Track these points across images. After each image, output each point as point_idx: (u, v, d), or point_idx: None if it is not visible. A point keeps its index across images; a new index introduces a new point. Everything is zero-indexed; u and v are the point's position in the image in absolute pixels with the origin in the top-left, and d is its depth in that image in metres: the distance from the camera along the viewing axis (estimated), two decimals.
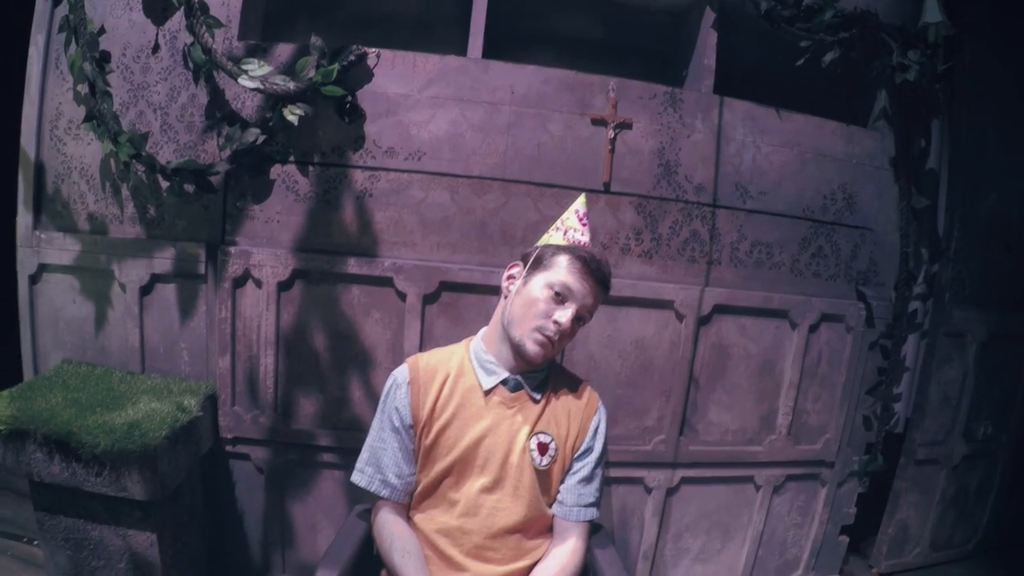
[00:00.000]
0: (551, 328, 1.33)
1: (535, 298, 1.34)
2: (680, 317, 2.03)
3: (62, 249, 2.04)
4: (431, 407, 1.38)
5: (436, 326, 1.97)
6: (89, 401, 1.79)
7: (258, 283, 1.94)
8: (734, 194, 2.03)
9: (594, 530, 1.49)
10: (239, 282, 1.96)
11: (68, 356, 2.12)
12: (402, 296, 1.94)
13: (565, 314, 1.33)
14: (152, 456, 1.68)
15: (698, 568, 2.26)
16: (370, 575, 1.45)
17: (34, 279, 2.09)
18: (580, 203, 1.47)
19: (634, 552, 2.18)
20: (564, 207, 1.91)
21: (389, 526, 1.39)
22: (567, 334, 1.36)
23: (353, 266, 1.93)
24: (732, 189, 2.02)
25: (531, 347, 1.34)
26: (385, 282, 1.94)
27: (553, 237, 1.43)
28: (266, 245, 1.95)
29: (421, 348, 1.96)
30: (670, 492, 2.14)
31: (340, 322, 1.97)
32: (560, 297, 1.33)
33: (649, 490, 2.13)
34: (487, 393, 1.39)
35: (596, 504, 1.44)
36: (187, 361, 2.04)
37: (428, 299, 1.95)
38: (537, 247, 1.42)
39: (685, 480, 2.15)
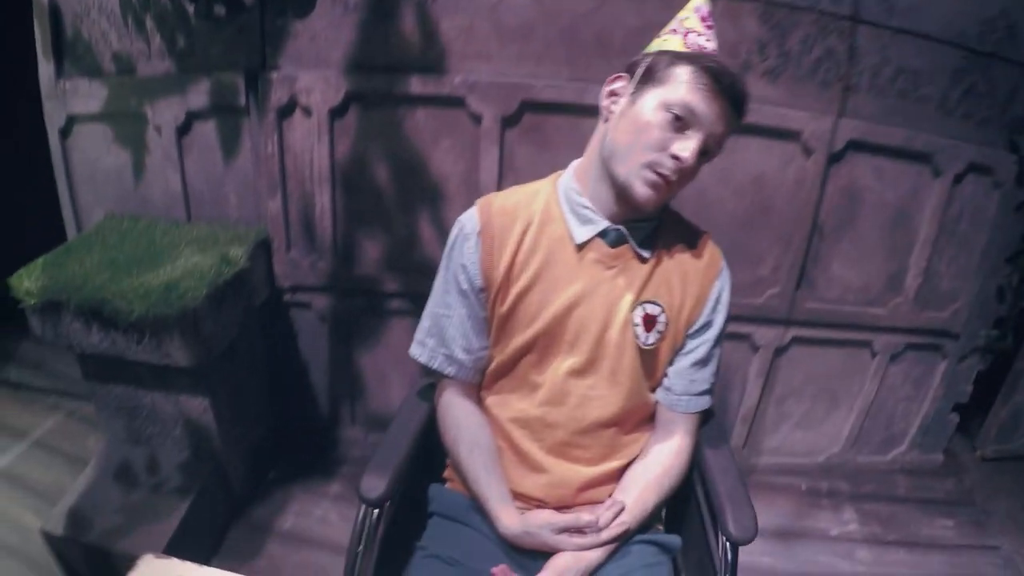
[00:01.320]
0: (668, 164, 0.91)
1: (647, 122, 0.91)
2: (808, 152, 1.63)
3: (89, 96, 1.75)
4: (507, 265, 1.00)
5: (518, 154, 1.62)
6: (126, 260, 1.56)
7: (307, 111, 1.61)
8: (879, 7, 1.55)
9: (705, 418, 1.11)
10: (285, 112, 1.63)
11: (110, 210, 1.87)
12: (476, 119, 1.59)
13: (687, 146, 0.90)
14: (192, 319, 1.44)
15: (798, 434, 1.99)
16: (436, 466, 1.17)
17: (64, 132, 1.81)
18: (702, 0, 1.02)
19: (732, 414, 1.93)
20: (673, 11, 1.45)
21: (455, 412, 1.08)
22: (689, 172, 0.93)
23: (417, 85, 1.57)
24: (876, 1, 1.54)
25: (640, 189, 0.93)
26: (456, 103, 1.58)
27: (669, 42, 0.98)
28: (313, 67, 1.60)
29: (500, 180, 1.63)
30: (779, 352, 1.84)
31: (404, 152, 1.63)
32: (680, 122, 0.90)
33: (756, 348, 1.83)
34: (580, 248, 1.00)
35: (710, 391, 1.09)
36: (235, 205, 1.77)
37: (507, 122, 1.59)
38: (648, 54, 0.97)
39: (796, 340, 1.83)
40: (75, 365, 1.66)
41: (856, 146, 1.63)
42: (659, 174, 0.91)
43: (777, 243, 1.70)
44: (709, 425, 1.11)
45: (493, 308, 1.02)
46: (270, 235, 1.72)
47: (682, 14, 0.99)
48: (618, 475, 1.06)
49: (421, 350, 1.09)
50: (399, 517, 1.07)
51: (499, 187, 1.62)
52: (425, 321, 1.09)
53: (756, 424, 1.93)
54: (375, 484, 0.96)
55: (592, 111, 1.52)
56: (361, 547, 1.00)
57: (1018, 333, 1.95)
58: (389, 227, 1.70)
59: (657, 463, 1.04)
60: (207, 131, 1.69)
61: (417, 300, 1.73)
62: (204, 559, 1.63)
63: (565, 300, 0.99)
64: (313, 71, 1.57)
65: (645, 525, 1.03)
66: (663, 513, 1.10)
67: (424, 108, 1.59)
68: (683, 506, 1.11)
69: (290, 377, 1.93)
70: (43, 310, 1.48)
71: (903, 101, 1.63)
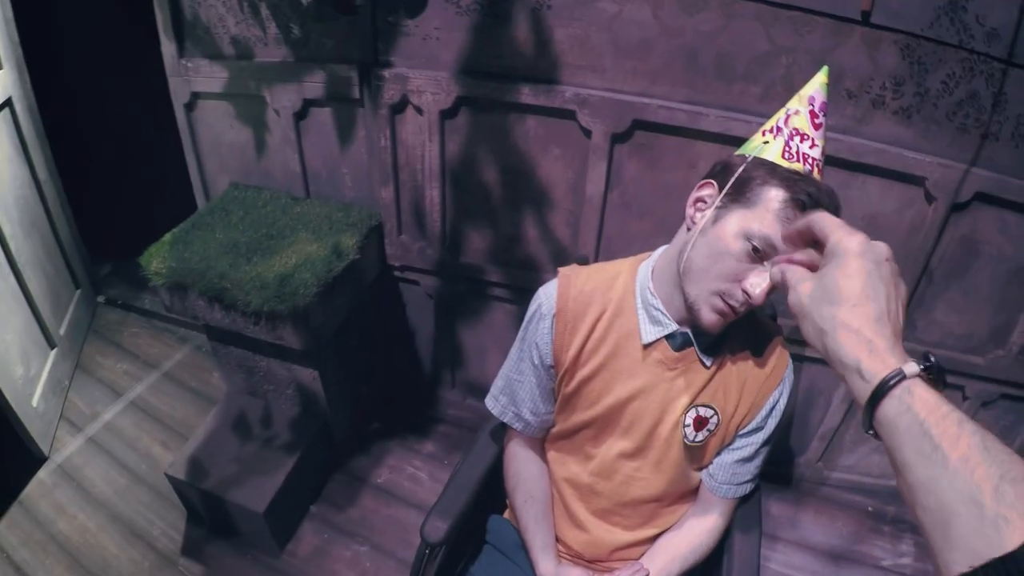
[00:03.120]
0: (738, 297, 0.88)
1: (724, 250, 0.87)
2: (930, 199, 1.51)
3: (211, 76, 1.81)
4: (577, 351, 1.03)
5: (626, 168, 1.60)
6: (247, 244, 1.67)
7: (418, 110, 1.63)
8: None
9: (745, 499, 1.14)
10: (397, 108, 1.65)
11: (234, 179, 1.98)
12: (587, 132, 1.57)
13: (760, 283, 0.85)
14: (303, 313, 1.55)
15: (875, 458, 1.97)
16: (499, 499, 1.27)
17: (189, 107, 1.90)
18: (820, 82, 0.90)
19: (812, 430, 1.92)
20: (804, 39, 1.38)
21: (517, 463, 1.18)
22: (758, 305, 0.88)
23: (528, 95, 1.55)
24: None
25: (707, 315, 0.91)
26: (567, 115, 1.56)
27: (769, 148, 0.88)
28: (425, 67, 1.60)
29: (606, 192, 1.62)
30: None
31: (513, 156, 1.64)
32: (759, 254, 0.85)
33: None
34: (647, 347, 1.00)
35: (753, 481, 1.11)
36: (350, 186, 1.84)
37: (617, 138, 1.56)
38: (743, 158, 0.90)
39: None
40: None
41: (984, 198, 1.49)
42: (728, 304, 0.89)
43: None
44: (748, 506, 1.15)
45: (560, 385, 1.07)
46: (383, 219, 1.80)
47: (793, 103, 0.91)
48: (652, 540, 1.13)
49: (494, 404, 1.16)
50: (458, 539, 1.19)
51: (605, 201, 1.62)
52: (500, 381, 1.16)
53: (835, 442, 1.92)
54: (438, 527, 1.08)
55: (706, 137, 1.48)
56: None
57: None
58: (495, 224, 1.73)
59: (688, 538, 1.10)
60: (323, 117, 1.74)
61: (518, 292, 1.87)
62: (306, 505, 1.85)
63: (624, 392, 1.02)
64: (424, 71, 1.58)
65: None
66: None
67: (534, 116, 1.57)
68: (709, 569, 1.17)
69: (398, 342, 2.07)
70: (171, 288, 1.63)
71: None
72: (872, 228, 1.53)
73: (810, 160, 0.87)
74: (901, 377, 0.47)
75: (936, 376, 0.48)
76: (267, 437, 1.81)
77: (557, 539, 1.15)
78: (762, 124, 1.42)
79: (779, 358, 1.04)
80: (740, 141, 1.49)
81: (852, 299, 0.51)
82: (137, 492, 1.90)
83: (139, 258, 1.64)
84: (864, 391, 0.49)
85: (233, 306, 1.57)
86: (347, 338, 1.85)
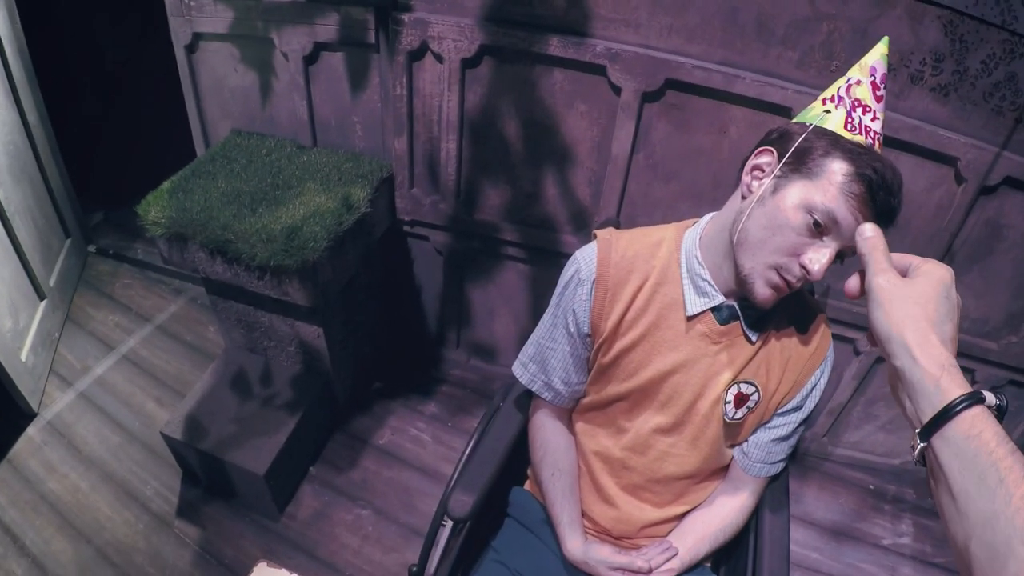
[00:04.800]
0: (795, 272, 0.82)
1: (784, 222, 0.81)
2: (960, 180, 1.44)
3: (215, 16, 1.67)
4: (618, 320, 0.96)
5: (655, 129, 1.50)
6: (251, 194, 1.55)
7: (438, 58, 1.51)
8: None
9: (773, 478, 1.08)
10: (416, 55, 1.54)
11: (236, 126, 1.85)
12: (616, 89, 1.47)
13: (820, 259, 0.80)
14: (311, 270, 1.45)
15: (880, 436, 1.93)
16: (521, 470, 1.20)
17: (191, 48, 1.75)
18: (880, 53, 0.84)
19: (821, 405, 1.86)
20: (847, 5, 1.31)
21: (545, 433, 1.09)
22: (815, 280, 0.83)
23: (556, 47, 1.44)
24: None
25: (761, 290, 0.85)
26: (596, 70, 1.46)
27: (830, 118, 0.82)
28: (448, 12, 1.49)
29: (632, 152, 1.53)
30: (880, 360, 1.75)
31: (536, 110, 1.54)
32: (820, 229, 0.79)
33: (858, 353, 1.74)
34: (691, 318, 0.94)
35: (785, 460, 1.06)
36: (361, 136, 1.73)
37: (648, 97, 1.46)
38: (803, 127, 0.83)
39: None
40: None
41: (1013, 183, 1.43)
42: (784, 279, 0.83)
43: None
44: (777, 484, 1.09)
45: (596, 355, 1.00)
46: (394, 171, 1.69)
47: (854, 72, 0.84)
48: (681, 518, 1.08)
49: (523, 371, 1.08)
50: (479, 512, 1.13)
51: (630, 162, 1.53)
52: (530, 347, 1.07)
53: (841, 418, 1.88)
54: (464, 502, 1.00)
55: (739, 101, 1.39)
56: (440, 553, 1.06)
57: None
58: (513, 180, 1.64)
59: (718, 516, 1.05)
60: (335, 62, 1.62)
61: (533, 252, 1.78)
62: (305, 467, 1.77)
63: (665, 365, 0.96)
64: (447, 17, 1.46)
65: (693, 566, 1.06)
66: None
67: (562, 70, 1.47)
68: (735, 546, 1.11)
69: (403, 298, 1.98)
70: (170, 239, 1.52)
71: None
72: (903, 203, 1.47)
73: (872, 133, 0.81)
74: (977, 401, 0.46)
75: (1000, 413, 0.47)
76: (267, 396, 1.72)
77: (583, 515, 1.08)
78: (797, 91, 1.37)
79: (822, 337, 0.98)
80: (774, 107, 1.43)
81: (940, 315, 0.53)
82: (131, 450, 1.81)
83: (136, 207, 1.52)
84: (933, 405, 0.48)
85: (237, 259, 1.46)
86: (353, 294, 1.75)
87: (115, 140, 2.71)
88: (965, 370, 1.71)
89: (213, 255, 1.50)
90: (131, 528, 1.63)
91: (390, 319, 2.03)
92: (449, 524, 1.06)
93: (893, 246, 1.51)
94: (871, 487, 1.91)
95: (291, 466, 1.69)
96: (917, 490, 1.92)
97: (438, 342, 2.08)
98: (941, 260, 1.53)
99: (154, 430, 1.76)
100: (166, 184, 1.59)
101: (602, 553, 1.02)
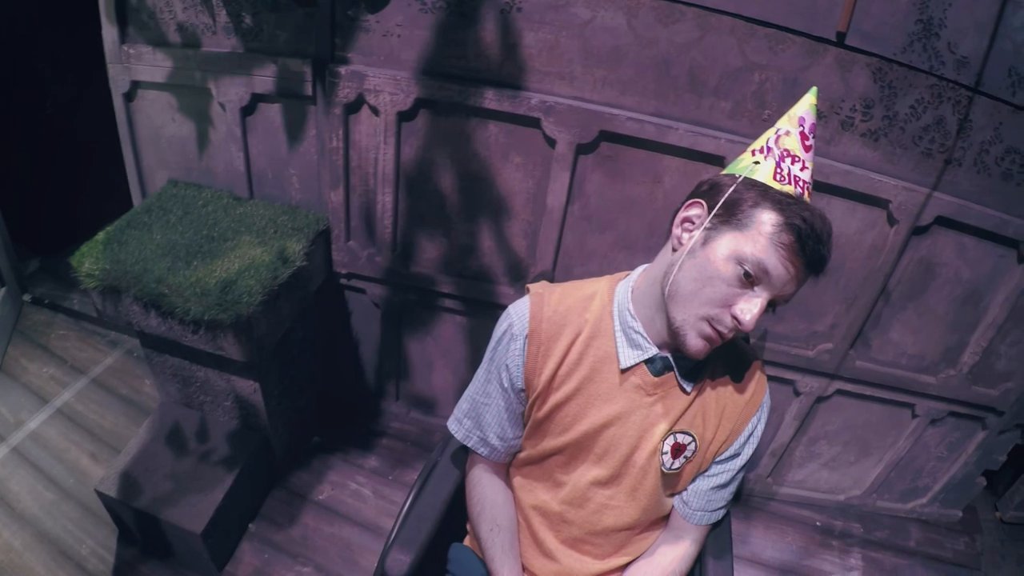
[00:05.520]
0: (727, 323, 0.83)
1: (714, 274, 0.81)
2: (892, 222, 1.47)
3: (154, 65, 1.62)
4: (551, 374, 0.94)
5: (589, 180, 1.50)
6: (186, 246, 1.51)
7: (375, 111, 1.49)
8: (1004, 81, 1.31)
9: (715, 524, 1.07)
10: (352, 108, 1.52)
11: (173, 176, 1.80)
12: (551, 142, 1.46)
13: (750, 309, 0.80)
14: (246, 323, 1.40)
15: (823, 473, 1.94)
16: (460, 525, 1.16)
17: (129, 96, 1.70)
18: (809, 104, 0.85)
19: (763, 447, 1.88)
20: (778, 56, 1.32)
21: (482, 488, 1.06)
22: (747, 331, 0.84)
23: (492, 100, 1.43)
24: (1004, 74, 1.31)
25: (693, 341, 0.85)
26: (531, 122, 1.45)
27: (760, 169, 0.83)
28: (384, 65, 1.47)
29: (568, 203, 1.52)
30: (820, 399, 1.76)
31: (472, 162, 1.53)
32: (751, 279, 0.80)
33: (798, 394, 1.75)
34: (625, 371, 0.93)
35: (726, 507, 1.05)
36: (297, 188, 1.69)
37: (582, 149, 1.46)
38: (733, 178, 0.84)
39: (840, 392, 1.74)
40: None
41: (944, 222, 1.46)
42: (715, 330, 0.83)
43: (840, 302, 1.57)
44: (719, 530, 1.08)
45: (531, 409, 0.98)
46: (330, 224, 1.65)
47: (783, 123, 0.86)
48: (623, 569, 1.05)
49: (458, 427, 1.05)
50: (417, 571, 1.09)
51: (565, 213, 1.52)
52: (464, 403, 1.05)
53: (784, 458, 1.88)
54: (401, 560, 0.97)
55: (673, 151, 1.40)
56: None
57: None
58: (449, 233, 1.61)
59: (661, 566, 1.02)
60: (272, 113, 1.58)
61: (470, 303, 1.75)
62: (243, 524, 1.70)
63: (600, 418, 0.94)
64: (383, 70, 1.44)
65: None
66: None
67: (497, 123, 1.45)
68: None
69: (341, 351, 1.93)
70: (104, 292, 1.46)
71: (1005, 183, 1.42)
72: (836, 248, 1.48)
73: (801, 183, 0.82)
74: None
75: None
76: (204, 452, 1.65)
77: (524, 569, 1.05)
78: (730, 140, 1.38)
79: (758, 383, 0.98)
80: (707, 157, 1.44)
81: None
82: (65, 508, 1.71)
83: (69, 257, 1.47)
84: None
85: (171, 313, 1.41)
86: (289, 347, 1.70)
87: (54, 186, 2.61)
88: (905, 405, 1.74)
89: (147, 308, 1.45)
90: None
91: (328, 372, 1.98)
92: None
93: (828, 289, 1.54)
94: (818, 524, 1.91)
95: (229, 523, 1.62)
96: (864, 524, 1.93)
97: (377, 395, 2.03)
98: (876, 301, 1.58)
99: (89, 487, 1.67)
100: (100, 235, 1.53)
101: None
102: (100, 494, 1.56)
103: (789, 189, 0.81)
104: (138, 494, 1.54)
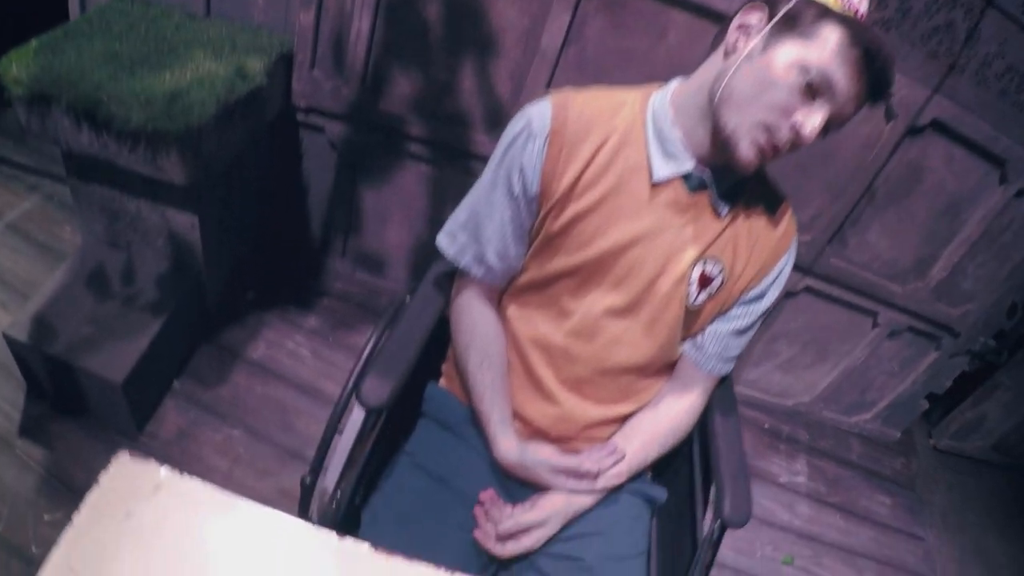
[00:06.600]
0: (784, 134, 0.74)
1: (776, 79, 0.73)
2: (890, 116, 1.41)
3: None
4: (573, 180, 0.82)
5: (590, 25, 1.36)
6: (131, 56, 1.31)
7: None
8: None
9: (722, 379, 0.99)
10: None
11: None
12: None
13: (812, 120, 0.73)
14: (195, 138, 1.23)
15: (776, 375, 1.93)
16: (435, 362, 1.03)
17: None
18: None
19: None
20: None
21: (472, 316, 0.94)
22: (803, 146, 0.76)
23: None
24: None
25: (746, 150, 0.76)
26: None
27: None
28: None
29: (562, 50, 1.38)
30: (788, 295, 1.72)
31: None
32: (813, 90, 0.72)
33: None
34: (656, 185, 0.82)
35: (735, 359, 0.97)
36: (262, 7, 1.49)
37: None
38: None
39: (808, 289, 1.71)
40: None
41: (939, 127, 1.43)
42: (772, 140, 0.74)
43: (825, 194, 1.52)
44: (724, 387, 1.00)
45: (544, 221, 0.85)
46: (295, 48, 1.47)
47: None
48: (625, 418, 0.95)
49: (450, 242, 0.91)
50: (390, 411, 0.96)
51: (559, 57, 1.39)
52: (462, 213, 0.91)
53: (743, 354, 1.88)
54: (379, 390, 0.83)
55: (682, 5, 1.29)
56: (352, 447, 0.89)
57: (1012, 351, 1.90)
58: (428, 68, 1.46)
59: (667, 417, 0.94)
60: None
61: (439, 149, 1.57)
62: (168, 380, 1.54)
63: (624, 236, 0.83)
64: None
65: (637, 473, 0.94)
66: None
67: None
68: (674, 458, 1.01)
69: (287, 199, 1.76)
70: (31, 102, 1.24)
71: (1001, 100, 1.40)
72: (827, 139, 1.45)
73: (860, 14, 0.74)
74: None
75: None
76: (128, 295, 1.46)
77: (515, 414, 0.93)
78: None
79: (789, 222, 0.89)
80: (716, 15, 1.33)
81: None
82: None
83: None
84: None
85: (107, 125, 1.21)
86: (232, 184, 1.52)
87: None
88: (869, 311, 1.72)
89: (80, 121, 1.24)
90: None
91: (271, 221, 1.79)
92: (354, 421, 0.87)
93: (815, 177, 1.45)
94: (766, 426, 1.90)
95: (153, 377, 1.46)
96: (810, 431, 1.94)
97: (322, 250, 1.86)
98: (861, 196, 1.54)
99: None
100: (32, 43, 1.31)
101: (542, 454, 0.89)
102: (7, 338, 1.37)
103: (850, 13, 0.73)
104: (52, 340, 1.35)
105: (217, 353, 1.63)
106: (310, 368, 1.65)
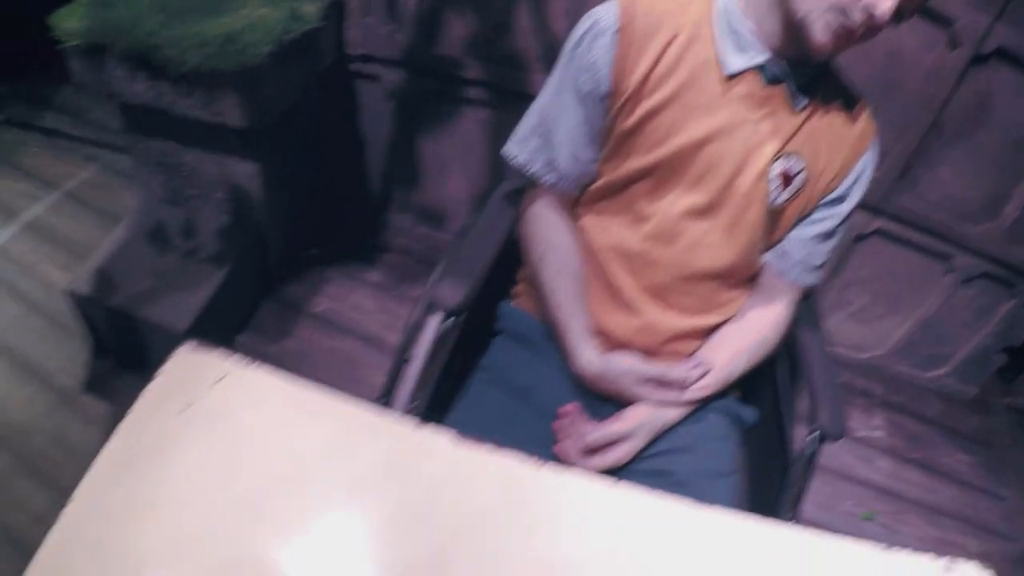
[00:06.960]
0: (857, 15, 0.71)
1: None
2: (954, 44, 1.34)
3: None
4: (644, 75, 0.79)
5: None
6: (182, 5, 1.31)
7: None
8: None
9: (806, 295, 0.95)
10: None
11: None
12: None
13: (886, 2, 0.70)
14: (252, 77, 1.24)
15: (850, 326, 1.84)
16: (506, 284, 0.99)
17: None
18: None
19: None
20: None
21: (546, 227, 0.90)
22: (873, 33, 0.73)
23: None
24: None
25: (819, 33, 0.73)
26: None
27: None
28: None
29: None
30: (859, 238, 1.65)
31: None
32: None
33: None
34: (730, 78, 0.79)
35: (822, 269, 0.93)
36: None
37: None
38: None
39: (879, 232, 1.63)
40: (116, 116, 1.47)
41: (1004, 55, 1.35)
42: (847, 23, 0.71)
43: (892, 126, 1.44)
44: (807, 304, 0.95)
45: (615, 120, 0.82)
46: None
47: None
48: (709, 332, 0.90)
49: (520, 149, 0.89)
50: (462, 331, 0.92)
51: None
52: (532, 117, 0.88)
53: (814, 303, 1.82)
54: (453, 292, 0.80)
55: None
56: (428, 357, 0.86)
57: None
58: (484, 8, 1.44)
59: (754, 329, 0.89)
60: None
61: (496, 92, 1.54)
62: (231, 334, 1.54)
63: (699, 132, 0.80)
64: None
65: (724, 390, 0.90)
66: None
67: None
68: (759, 378, 0.96)
69: (345, 151, 1.74)
70: (86, 53, 1.27)
71: None
72: (893, 62, 1.38)
73: None
74: None
75: None
76: (189, 250, 1.47)
77: (595, 328, 0.89)
78: None
79: (868, 122, 0.86)
80: None
81: None
82: (32, 321, 1.54)
83: (42, 75, 1.29)
84: None
85: (163, 70, 1.22)
86: (289, 136, 1.52)
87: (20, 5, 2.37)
88: (942, 256, 1.64)
89: (134, 70, 1.26)
90: (30, 407, 1.38)
91: (328, 176, 1.79)
92: (428, 335, 0.85)
93: (880, 110, 1.40)
94: (841, 380, 1.82)
95: (215, 330, 1.46)
96: (886, 386, 1.85)
97: (381, 205, 1.84)
98: (928, 131, 1.47)
99: (59, 299, 1.50)
100: None
101: (626, 363, 0.85)
102: (71, 294, 1.39)
103: None
104: (113, 293, 1.38)
105: (280, 309, 1.63)
106: (375, 320, 1.63)
